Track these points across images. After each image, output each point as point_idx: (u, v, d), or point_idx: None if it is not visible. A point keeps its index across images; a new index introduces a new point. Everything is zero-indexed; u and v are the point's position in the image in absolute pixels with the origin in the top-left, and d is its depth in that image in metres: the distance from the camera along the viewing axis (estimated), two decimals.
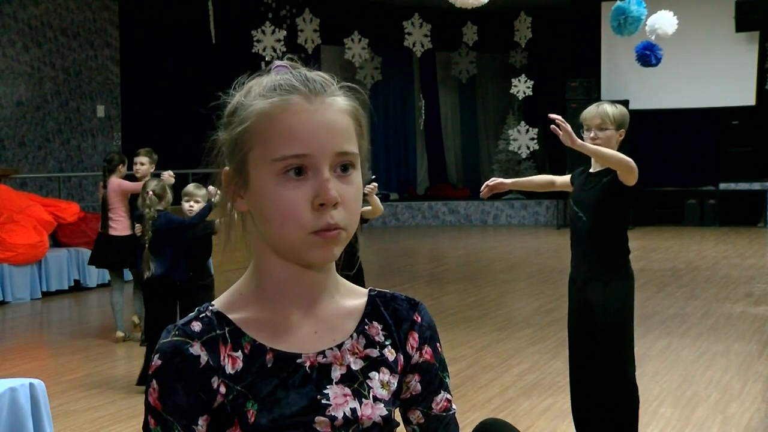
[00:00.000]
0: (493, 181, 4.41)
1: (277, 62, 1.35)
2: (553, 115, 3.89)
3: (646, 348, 7.11)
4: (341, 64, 17.56)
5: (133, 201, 7.37)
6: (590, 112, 4.08)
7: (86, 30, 15.13)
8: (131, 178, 7.82)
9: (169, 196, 6.18)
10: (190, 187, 6.11)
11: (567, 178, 4.34)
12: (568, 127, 3.81)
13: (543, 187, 4.59)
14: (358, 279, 5.85)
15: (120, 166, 7.76)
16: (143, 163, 7.62)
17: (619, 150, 4.11)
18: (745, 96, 16.67)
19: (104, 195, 7.75)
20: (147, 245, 5.96)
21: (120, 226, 7.69)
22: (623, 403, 4.17)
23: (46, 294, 10.24)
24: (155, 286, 6.01)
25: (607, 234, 4.09)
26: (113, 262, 7.82)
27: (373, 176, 5.84)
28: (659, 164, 17.38)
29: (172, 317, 5.85)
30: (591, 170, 4.15)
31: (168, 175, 7.09)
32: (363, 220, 5.99)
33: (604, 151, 3.92)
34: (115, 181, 7.71)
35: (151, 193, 6.01)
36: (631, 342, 4.15)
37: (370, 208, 5.85)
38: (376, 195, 5.92)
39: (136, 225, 6.56)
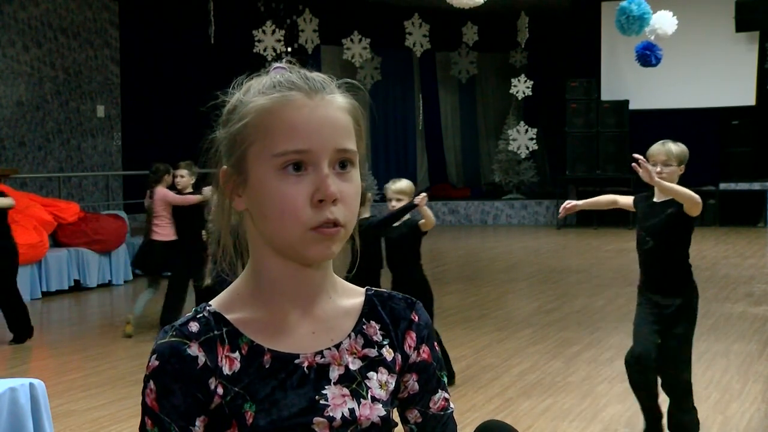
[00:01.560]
0: (569, 203, 5.05)
1: (276, 64, 1.36)
2: (636, 155, 4.56)
3: None
4: (341, 64, 17.56)
5: (197, 213, 7.68)
6: (656, 149, 4.67)
7: (86, 30, 15.13)
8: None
9: None
10: None
11: (630, 200, 4.91)
12: (649, 166, 4.46)
13: (607, 205, 5.15)
14: (373, 279, 6.03)
15: (165, 176, 8.09)
16: (183, 176, 7.93)
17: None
18: (745, 96, 16.67)
19: (150, 203, 8.16)
20: (212, 256, 6.22)
21: (164, 231, 8.02)
22: (681, 402, 4.69)
23: (46, 294, 10.23)
24: (206, 295, 6.28)
25: (672, 255, 4.64)
26: (154, 265, 8.18)
27: (424, 194, 5.92)
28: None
29: None
30: (656, 200, 4.68)
31: (208, 191, 7.38)
32: (422, 232, 5.94)
33: (677, 189, 4.48)
34: (161, 191, 8.02)
35: None
36: (690, 349, 4.69)
37: (423, 220, 5.90)
38: (375, 199, 5.89)
39: (203, 232, 7.19)
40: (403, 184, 6.08)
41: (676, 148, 4.67)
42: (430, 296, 5.82)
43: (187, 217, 7.74)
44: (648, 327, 4.63)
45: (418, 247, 5.99)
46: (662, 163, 4.59)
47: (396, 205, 5.91)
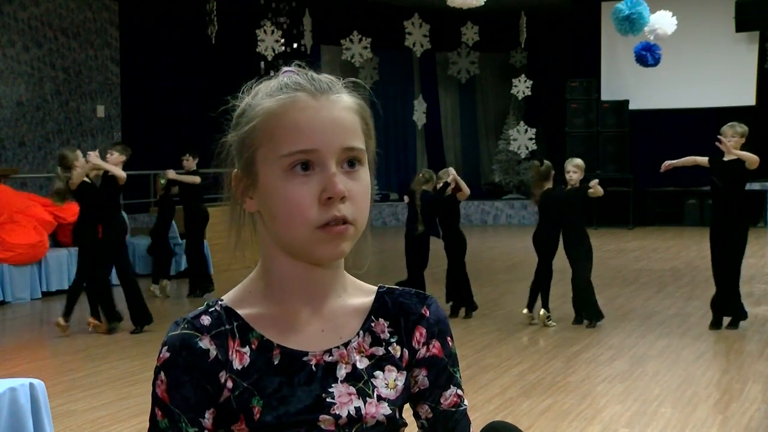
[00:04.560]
0: (668, 162, 7.99)
1: (285, 68, 1.37)
2: (719, 135, 7.55)
3: (646, 348, 7.11)
4: (341, 65, 17.55)
5: None
6: (726, 129, 7.62)
7: (86, 30, 15.13)
8: None
9: (435, 179, 8.59)
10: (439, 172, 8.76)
11: (706, 159, 7.73)
12: (725, 140, 7.48)
13: (692, 163, 7.98)
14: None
15: None
16: None
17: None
18: (745, 96, 16.66)
19: None
20: (419, 212, 8.52)
21: None
22: (733, 293, 7.74)
23: (46, 294, 10.23)
24: (421, 241, 8.67)
25: (733, 193, 7.54)
26: None
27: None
28: (659, 164, 17.32)
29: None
30: (725, 159, 7.53)
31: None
32: (590, 198, 7.88)
33: (742, 153, 7.41)
34: None
35: (421, 175, 8.75)
36: (742, 256, 7.78)
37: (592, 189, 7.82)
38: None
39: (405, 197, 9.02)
40: (578, 160, 8.15)
41: (739, 128, 7.63)
42: (589, 245, 8.06)
43: None
44: (719, 247, 7.66)
45: (581, 206, 7.98)
46: (730, 135, 7.51)
47: (573, 177, 7.88)
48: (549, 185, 8.09)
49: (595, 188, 7.79)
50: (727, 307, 7.73)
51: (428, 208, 8.50)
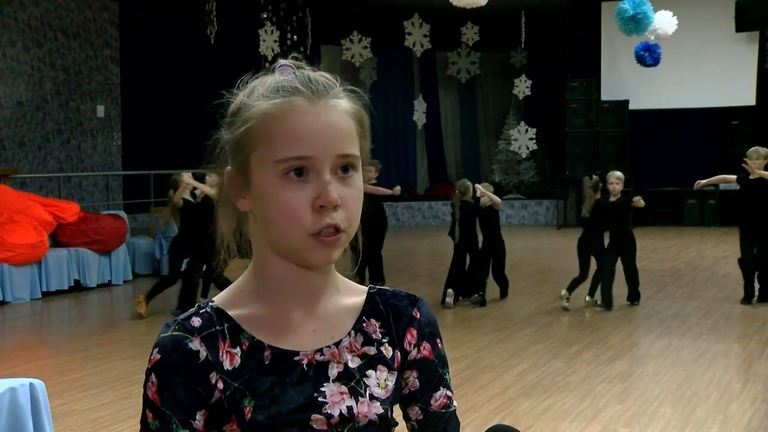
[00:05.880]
0: (699, 182, 8.87)
1: (282, 61, 1.36)
2: (745, 158, 8.50)
3: (646, 348, 7.11)
4: (341, 65, 17.56)
5: None
6: (751, 152, 8.52)
7: (86, 30, 15.13)
8: None
9: (470, 193, 9.12)
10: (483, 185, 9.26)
11: (734, 177, 8.77)
12: (750, 162, 8.43)
13: (721, 182, 9.47)
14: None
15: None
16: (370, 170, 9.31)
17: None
18: (745, 96, 16.66)
19: None
20: (458, 223, 9.08)
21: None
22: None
23: (46, 294, 10.22)
24: (462, 248, 9.16)
25: (761, 205, 8.47)
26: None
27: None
28: (659, 164, 17.37)
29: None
30: (750, 177, 8.51)
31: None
32: (634, 208, 8.67)
33: (764, 173, 8.35)
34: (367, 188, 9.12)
35: (457, 191, 9.22)
36: None
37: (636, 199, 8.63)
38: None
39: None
40: (619, 173, 8.92)
41: (763, 150, 8.49)
42: (634, 243, 8.91)
43: None
44: (747, 243, 8.63)
45: (629, 213, 8.86)
46: (755, 158, 8.43)
47: (615, 188, 8.67)
48: (597, 196, 8.88)
49: (637, 202, 8.61)
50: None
51: (467, 217, 9.10)
